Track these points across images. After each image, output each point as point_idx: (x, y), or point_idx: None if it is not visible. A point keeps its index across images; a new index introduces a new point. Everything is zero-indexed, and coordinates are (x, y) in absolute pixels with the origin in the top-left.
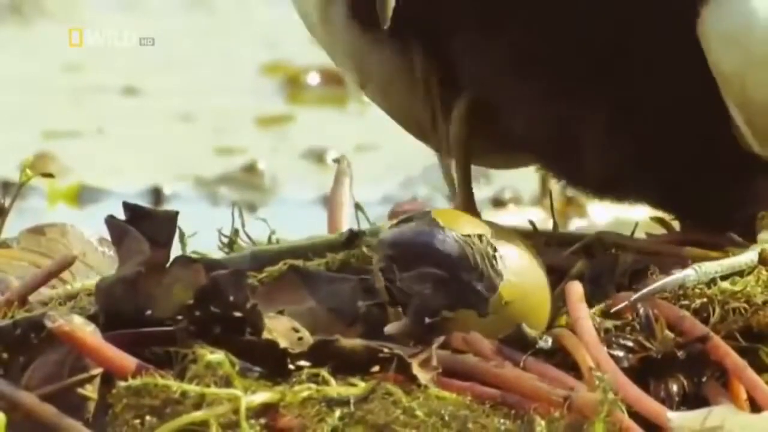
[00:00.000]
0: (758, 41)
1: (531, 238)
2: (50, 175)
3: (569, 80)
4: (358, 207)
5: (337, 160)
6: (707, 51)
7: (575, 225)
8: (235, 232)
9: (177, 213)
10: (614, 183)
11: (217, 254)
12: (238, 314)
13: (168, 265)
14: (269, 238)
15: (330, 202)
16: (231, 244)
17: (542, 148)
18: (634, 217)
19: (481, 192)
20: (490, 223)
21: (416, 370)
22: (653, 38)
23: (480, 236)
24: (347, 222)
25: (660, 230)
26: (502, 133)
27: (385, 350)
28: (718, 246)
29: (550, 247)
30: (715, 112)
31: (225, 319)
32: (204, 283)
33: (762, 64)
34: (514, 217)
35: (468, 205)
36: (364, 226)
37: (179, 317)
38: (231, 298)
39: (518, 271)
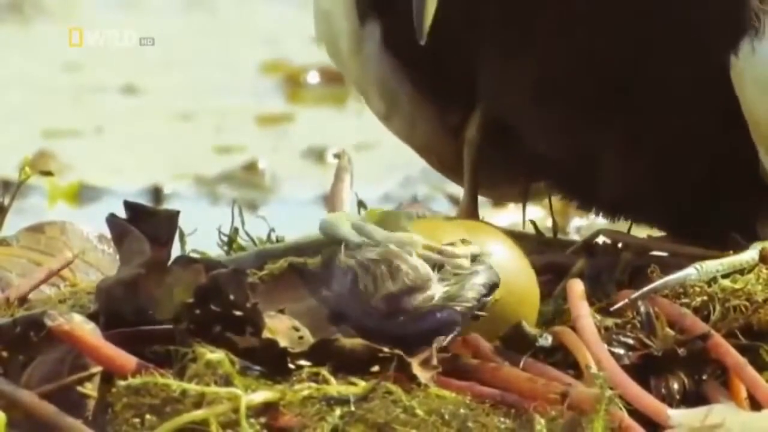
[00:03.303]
0: None
1: (529, 240)
2: (49, 173)
3: (588, 106)
4: (360, 204)
5: (337, 156)
6: (741, 95)
7: (575, 224)
8: (235, 230)
9: (178, 212)
10: (627, 206)
11: (218, 253)
12: (238, 313)
13: (169, 264)
14: (269, 236)
15: (330, 197)
16: (231, 243)
17: (558, 169)
18: None
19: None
20: (478, 224)
21: (416, 369)
22: (677, 70)
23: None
24: None
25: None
26: (518, 151)
27: (385, 350)
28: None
29: (551, 246)
30: (735, 145)
31: (225, 318)
32: (204, 281)
33: None
34: (515, 216)
35: (471, 207)
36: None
37: (180, 317)
38: (231, 297)
39: (505, 268)
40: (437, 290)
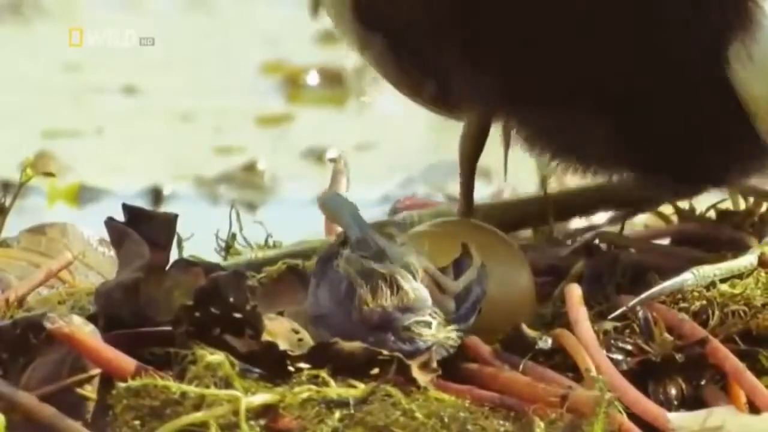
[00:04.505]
0: None
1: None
2: (51, 174)
3: (573, 94)
4: None
5: (333, 160)
6: (735, 77)
7: (574, 223)
8: (233, 236)
9: (176, 216)
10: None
11: (215, 257)
12: (237, 316)
13: (167, 268)
14: (266, 241)
15: None
16: (228, 249)
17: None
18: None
19: (480, 191)
20: (474, 227)
21: (415, 372)
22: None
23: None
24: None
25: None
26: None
27: (385, 352)
28: (717, 240)
29: (551, 246)
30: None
31: (225, 321)
32: (204, 283)
33: None
34: None
35: (467, 200)
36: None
37: (179, 319)
38: (231, 300)
39: (501, 270)
40: (433, 318)
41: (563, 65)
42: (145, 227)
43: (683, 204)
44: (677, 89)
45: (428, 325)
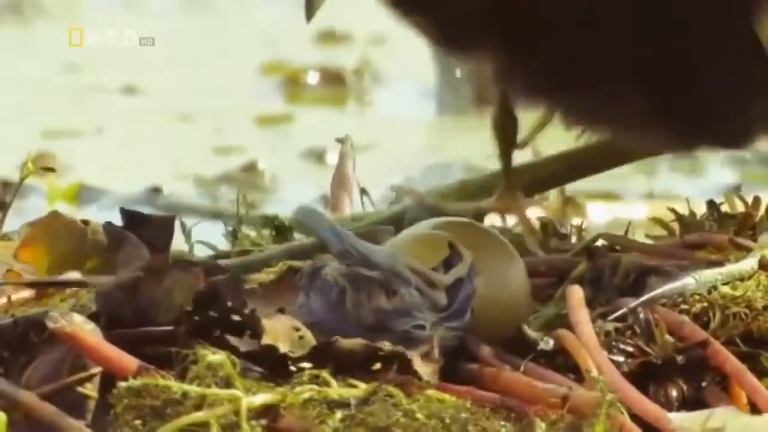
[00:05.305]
0: None
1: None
2: (51, 170)
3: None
4: (363, 192)
5: (340, 140)
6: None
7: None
8: (239, 221)
9: (174, 217)
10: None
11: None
12: (237, 318)
13: (167, 267)
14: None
15: (334, 180)
16: (235, 235)
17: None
18: (632, 218)
19: None
20: (467, 228)
21: (417, 365)
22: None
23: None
24: (349, 203)
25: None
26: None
27: (386, 347)
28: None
29: (553, 248)
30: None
31: (224, 324)
32: (203, 287)
33: None
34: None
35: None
36: (369, 209)
37: (179, 323)
38: (229, 304)
39: (495, 271)
40: (426, 318)
41: (595, 40)
42: (143, 230)
43: (683, 210)
44: (712, 51)
45: (422, 327)
